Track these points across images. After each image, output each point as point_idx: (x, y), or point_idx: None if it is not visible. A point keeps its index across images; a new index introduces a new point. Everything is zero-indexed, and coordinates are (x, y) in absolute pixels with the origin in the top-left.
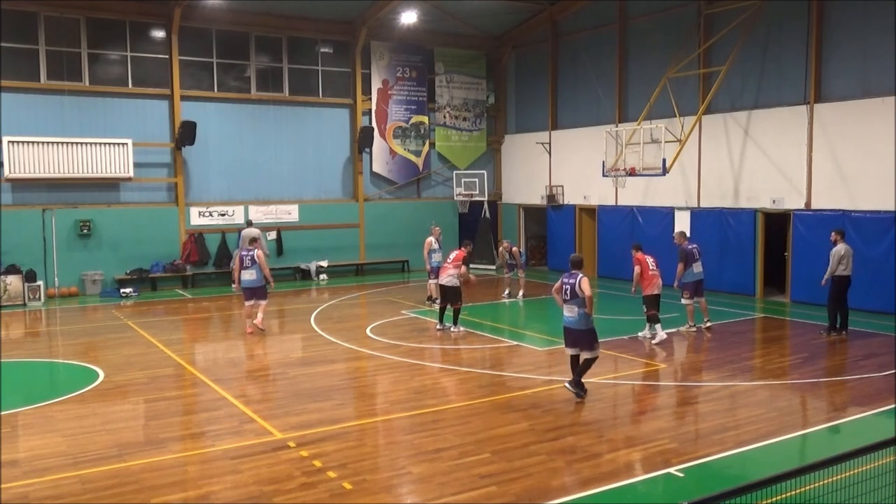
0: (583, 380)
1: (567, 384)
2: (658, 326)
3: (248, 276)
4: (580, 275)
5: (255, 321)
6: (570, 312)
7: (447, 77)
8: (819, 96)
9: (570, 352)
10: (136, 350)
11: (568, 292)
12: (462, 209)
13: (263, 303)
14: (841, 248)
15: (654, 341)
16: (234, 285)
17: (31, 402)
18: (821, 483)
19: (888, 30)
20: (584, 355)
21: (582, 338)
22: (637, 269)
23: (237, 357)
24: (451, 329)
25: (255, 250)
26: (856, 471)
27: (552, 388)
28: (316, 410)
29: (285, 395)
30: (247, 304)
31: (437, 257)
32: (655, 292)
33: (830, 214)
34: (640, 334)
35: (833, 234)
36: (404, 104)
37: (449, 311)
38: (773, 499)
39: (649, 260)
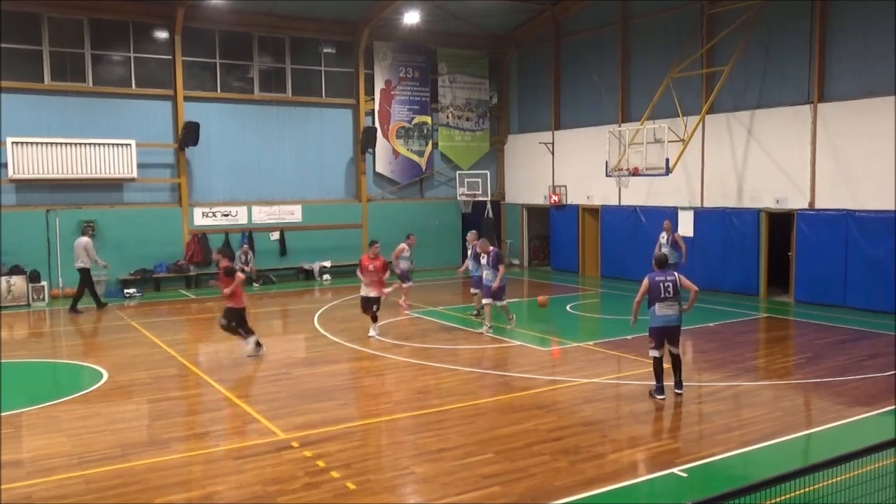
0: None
1: (658, 395)
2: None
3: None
4: (674, 272)
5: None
6: (670, 310)
7: (450, 77)
8: (822, 96)
9: (657, 354)
10: (140, 350)
11: (670, 289)
12: (465, 209)
13: (404, 285)
14: None
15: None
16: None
17: (35, 402)
18: (825, 483)
19: (891, 29)
20: (674, 350)
21: (677, 334)
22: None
23: (241, 357)
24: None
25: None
26: (860, 471)
27: (556, 389)
28: (319, 410)
29: (289, 396)
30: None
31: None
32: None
33: (834, 214)
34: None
35: None
36: (407, 104)
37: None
38: (778, 499)
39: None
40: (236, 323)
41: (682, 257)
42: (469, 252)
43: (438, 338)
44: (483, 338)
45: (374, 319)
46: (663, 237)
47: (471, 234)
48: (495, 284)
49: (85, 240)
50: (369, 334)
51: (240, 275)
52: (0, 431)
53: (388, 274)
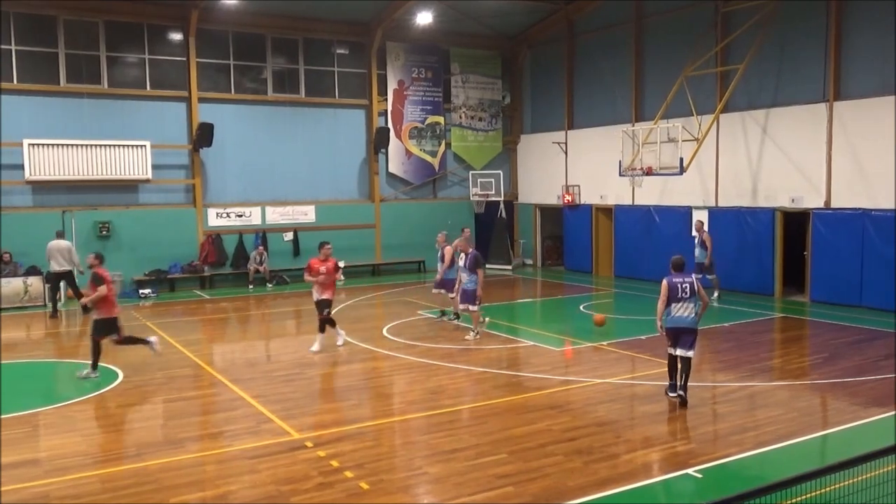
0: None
1: (671, 392)
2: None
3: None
4: (693, 275)
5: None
6: (687, 312)
7: (463, 77)
8: (838, 94)
9: (671, 351)
10: None
11: (688, 290)
12: (478, 209)
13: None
14: None
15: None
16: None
17: (51, 401)
18: (842, 484)
19: None
20: (684, 354)
21: (691, 337)
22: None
23: (255, 357)
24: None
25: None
26: (877, 472)
27: (569, 389)
28: (333, 410)
29: (302, 396)
30: None
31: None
32: None
33: (850, 213)
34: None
35: None
36: (420, 105)
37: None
38: (794, 500)
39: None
40: (108, 333)
41: (707, 255)
42: (438, 254)
43: (451, 338)
44: (498, 338)
45: (322, 329)
46: (696, 237)
47: (441, 235)
48: (480, 291)
49: (66, 243)
50: (312, 348)
51: (102, 289)
52: None
53: (340, 275)
